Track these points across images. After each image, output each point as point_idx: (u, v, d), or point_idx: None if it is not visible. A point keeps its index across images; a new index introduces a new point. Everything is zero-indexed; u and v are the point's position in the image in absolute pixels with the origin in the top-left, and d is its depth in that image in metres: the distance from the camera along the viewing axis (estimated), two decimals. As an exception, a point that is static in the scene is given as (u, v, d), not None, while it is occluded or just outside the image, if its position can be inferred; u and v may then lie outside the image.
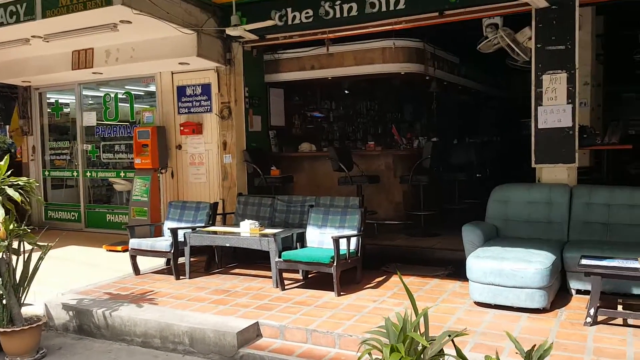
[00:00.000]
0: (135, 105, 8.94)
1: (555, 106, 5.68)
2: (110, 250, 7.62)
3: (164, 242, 5.98)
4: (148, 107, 8.42)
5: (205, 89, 8.10)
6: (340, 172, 7.29)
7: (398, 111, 13.04)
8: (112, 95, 9.08)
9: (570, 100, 5.62)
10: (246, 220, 6.06)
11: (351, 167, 7.38)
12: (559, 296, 4.70)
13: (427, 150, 6.86)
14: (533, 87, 5.82)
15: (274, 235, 5.36)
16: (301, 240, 5.75)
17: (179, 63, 7.68)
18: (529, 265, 4.36)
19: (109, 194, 9.76)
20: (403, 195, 7.72)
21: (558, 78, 5.67)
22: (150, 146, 7.94)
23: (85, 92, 9.57)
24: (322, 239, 5.63)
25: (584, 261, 4.25)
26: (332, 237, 5.05)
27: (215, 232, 6.01)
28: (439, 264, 6.09)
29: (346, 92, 10.43)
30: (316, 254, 5.13)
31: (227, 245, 5.79)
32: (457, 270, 5.75)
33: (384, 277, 5.70)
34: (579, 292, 4.86)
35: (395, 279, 5.60)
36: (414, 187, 7.74)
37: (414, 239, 6.94)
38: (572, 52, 5.60)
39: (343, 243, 5.17)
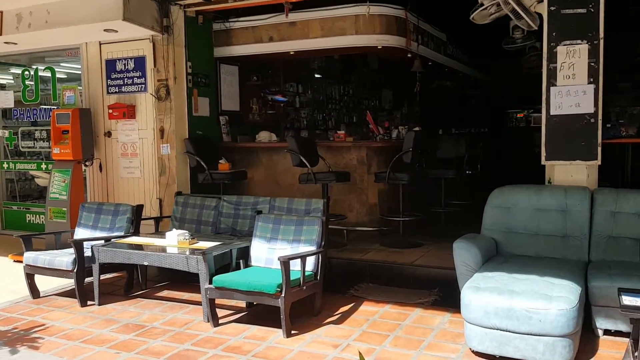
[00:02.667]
0: (60, 85, 7.52)
1: (573, 87, 4.52)
2: (17, 261, 6.22)
3: (65, 258, 4.65)
4: (69, 84, 7.02)
5: (139, 63, 6.75)
6: (302, 168, 6.03)
7: (375, 97, 11.83)
8: (32, 71, 7.63)
9: (592, 79, 4.46)
10: (174, 230, 4.76)
11: (316, 161, 6.12)
12: (582, 340, 3.53)
13: (408, 141, 5.64)
14: (545, 63, 4.64)
15: (203, 253, 4.07)
16: (245, 256, 4.48)
17: (105, 30, 6.30)
18: (550, 304, 3.18)
19: (41, 188, 8.32)
20: (379, 195, 6.51)
21: (577, 50, 4.50)
22: (71, 132, 6.57)
23: (-1, 67, 8.12)
24: (271, 256, 4.38)
25: (626, 299, 3.07)
26: (279, 259, 3.78)
27: (133, 246, 4.71)
28: (422, 285, 4.90)
29: (315, 73, 9.14)
30: (259, 280, 3.87)
31: (145, 264, 4.49)
32: (445, 295, 4.58)
33: (351, 304, 4.48)
34: (607, 332, 3.72)
35: (366, 307, 4.39)
36: (391, 187, 6.52)
37: (391, 250, 5.74)
38: (595, 16, 4.44)
39: (296, 264, 3.92)
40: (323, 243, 4.30)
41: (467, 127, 11.42)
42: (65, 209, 6.52)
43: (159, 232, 5.64)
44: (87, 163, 6.85)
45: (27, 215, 7.89)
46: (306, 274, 4.02)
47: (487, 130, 12.05)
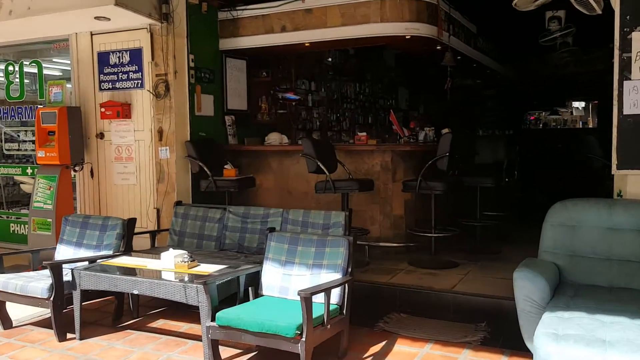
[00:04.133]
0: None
1: (652, 80, 3.76)
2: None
3: (40, 284, 3.93)
4: (57, 80, 6.33)
5: (135, 56, 6.04)
6: (319, 175, 5.31)
7: (391, 96, 11.10)
8: (16, 66, 6.93)
9: (677, 72, 3.70)
10: (171, 250, 4.03)
11: (334, 167, 5.40)
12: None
13: (444, 145, 4.89)
14: (616, 53, 3.89)
15: (205, 282, 3.34)
16: (255, 282, 3.76)
17: (96, 18, 5.60)
18: (660, 363, 2.42)
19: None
20: (405, 206, 5.77)
21: (658, 36, 3.74)
22: (57, 133, 5.88)
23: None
24: (286, 284, 3.65)
25: None
26: (299, 294, 3.05)
27: (122, 269, 3.98)
28: (465, 316, 4.15)
29: (329, 65, 8.39)
30: (273, 320, 3.13)
31: (135, 292, 3.76)
32: (495, 331, 3.85)
33: (383, 342, 3.74)
34: None
35: (402, 347, 3.65)
36: (419, 197, 5.79)
37: (423, 272, 4.99)
38: (682, -5, 3.68)
39: (319, 296, 3.19)
40: (350, 269, 3.56)
41: (489, 128, 10.66)
42: (51, 220, 5.84)
43: (155, 248, 4.93)
44: (76, 168, 6.17)
45: (12, 225, 7.19)
46: (331, 308, 3.29)
47: (512, 132, 11.27)
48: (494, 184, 5.68)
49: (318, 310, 3.18)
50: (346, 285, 3.43)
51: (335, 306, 3.40)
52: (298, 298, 3.08)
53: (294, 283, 3.60)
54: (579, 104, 16.52)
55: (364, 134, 5.88)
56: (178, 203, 5.21)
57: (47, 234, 5.84)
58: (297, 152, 6.05)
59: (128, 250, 4.56)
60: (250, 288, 3.70)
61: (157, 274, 3.81)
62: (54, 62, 6.95)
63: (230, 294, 3.64)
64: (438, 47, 6.39)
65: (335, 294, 3.40)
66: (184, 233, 5.07)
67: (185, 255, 3.87)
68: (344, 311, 3.47)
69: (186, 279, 3.63)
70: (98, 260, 4.22)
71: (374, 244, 5.69)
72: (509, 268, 4.82)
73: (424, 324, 4.05)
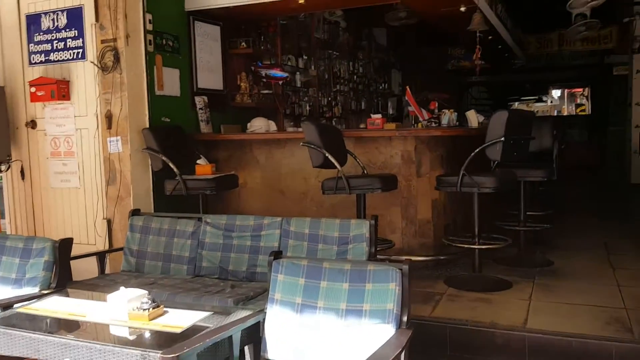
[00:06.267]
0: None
1: None
2: None
3: None
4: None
5: (74, 17, 4.68)
6: (325, 170, 4.07)
7: (384, 79, 9.90)
8: None
9: None
10: (122, 289, 2.70)
11: (345, 159, 4.16)
12: None
13: (497, 126, 3.69)
14: None
15: (177, 356, 2.04)
16: (255, 339, 2.49)
17: (17, -36, 4.19)
18: None
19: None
20: (433, 208, 4.58)
21: None
22: (-30, 122, 4.46)
23: None
24: (305, 342, 2.39)
25: None
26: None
27: (47, 323, 2.65)
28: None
29: (319, 39, 7.13)
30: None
31: (65, 363, 2.44)
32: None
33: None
34: None
35: None
36: (452, 196, 4.62)
37: (471, 297, 3.81)
38: None
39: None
40: (407, 317, 2.32)
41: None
42: (-36, 238, 4.41)
43: (104, 277, 3.62)
44: (1, 168, 4.78)
45: None
46: (382, 384, 2.05)
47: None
48: (545, 178, 4.54)
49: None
50: (404, 349, 2.18)
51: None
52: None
53: (318, 341, 2.35)
54: (555, 93, 16.42)
55: (379, 116, 4.66)
56: (135, 212, 3.89)
57: (-41, 256, 4.43)
58: (291, 142, 4.80)
59: (62, 284, 3.23)
60: (247, 349, 2.43)
61: (100, 332, 2.50)
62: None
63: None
64: (462, 8, 5.19)
65: (389, 362, 2.15)
66: (144, 253, 3.78)
67: (145, 299, 2.56)
68: (400, 385, 2.23)
69: (146, 339, 2.34)
70: (16, 305, 2.87)
71: (394, 258, 4.47)
72: (577, 288, 3.87)
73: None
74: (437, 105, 5.22)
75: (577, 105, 16.14)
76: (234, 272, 3.58)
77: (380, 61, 9.84)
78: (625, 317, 3.28)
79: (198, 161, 4.52)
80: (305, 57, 7.00)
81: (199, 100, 5.14)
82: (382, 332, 2.27)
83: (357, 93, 8.52)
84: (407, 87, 5.02)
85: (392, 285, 2.35)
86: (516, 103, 16.41)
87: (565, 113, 15.15)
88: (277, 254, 2.61)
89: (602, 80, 13.60)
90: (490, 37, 7.09)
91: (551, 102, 16.77)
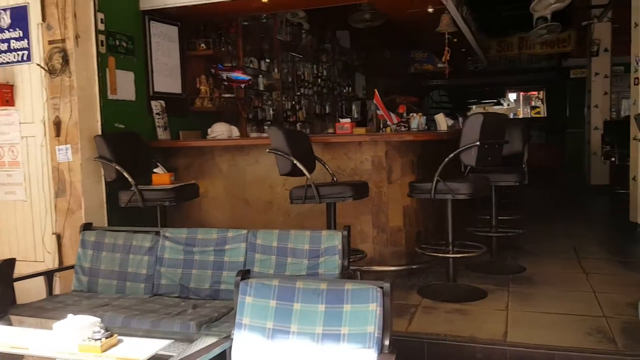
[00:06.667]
0: None
1: None
2: None
3: None
4: None
5: (19, 15, 4.34)
6: (292, 177, 3.87)
7: (347, 83, 9.77)
8: None
9: None
10: (70, 317, 2.41)
11: (313, 166, 3.96)
12: None
13: (472, 130, 3.56)
14: None
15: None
16: (220, 368, 2.25)
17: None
18: None
19: None
20: (404, 215, 4.42)
21: None
22: None
23: None
24: (278, 370, 2.16)
25: None
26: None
27: (-19, 356, 2.35)
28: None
29: (281, 42, 6.92)
30: None
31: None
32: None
33: None
34: None
35: None
36: (423, 203, 4.49)
37: (447, 308, 3.67)
38: None
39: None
40: (388, 342, 2.13)
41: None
42: None
43: (53, 299, 3.31)
44: (-64, 179, 4.37)
45: None
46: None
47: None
48: (518, 182, 4.46)
49: None
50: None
51: (371, 412, 1.97)
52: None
53: (293, 368, 2.14)
54: (511, 96, 16.90)
55: (348, 120, 4.48)
56: (87, 226, 3.58)
57: None
58: (255, 148, 4.58)
59: (4, 309, 2.92)
60: (213, 381, 2.19)
61: (44, 368, 2.22)
62: None
63: (179, 395, 2.13)
64: (430, 9, 5.08)
65: (372, 392, 1.96)
66: (96, 271, 3.48)
67: (97, 328, 2.29)
68: (383, 416, 2.04)
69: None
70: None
71: (366, 269, 4.31)
72: (553, 295, 3.83)
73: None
74: (405, 108, 5.09)
75: (532, 108, 16.61)
76: (196, 290, 3.32)
77: (344, 64, 9.70)
78: (605, 327, 3.19)
79: (155, 170, 4.23)
80: (268, 60, 6.77)
81: (156, 105, 4.85)
82: (362, 357, 2.08)
83: (321, 97, 8.34)
84: (376, 91, 4.86)
85: (373, 306, 2.16)
86: (474, 107, 16.74)
87: (521, 115, 15.51)
88: (245, 274, 2.38)
89: (560, 83, 13.89)
90: (455, 40, 7.04)
91: (508, 105, 17.19)
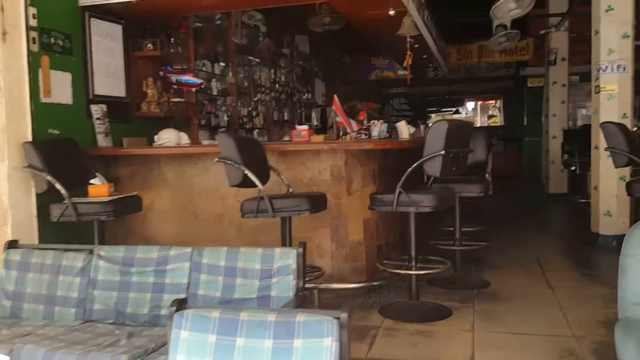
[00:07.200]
0: None
1: None
2: None
3: None
4: None
5: None
6: (243, 189, 3.56)
7: (307, 89, 9.54)
8: None
9: None
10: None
11: (267, 176, 3.67)
12: None
13: (436, 138, 3.34)
14: None
15: None
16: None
17: None
18: None
19: None
20: (364, 229, 4.18)
21: None
22: None
23: None
24: (218, 418, 1.85)
25: None
26: None
27: None
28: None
29: (238, 45, 6.62)
30: None
31: None
32: None
33: None
34: None
35: None
36: (384, 215, 4.26)
37: (410, 329, 3.43)
38: None
39: None
40: (347, 381, 1.86)
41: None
42: None
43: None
44: None
45: None
46: None
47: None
48: (482, 193, 4.29)
49: None
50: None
51: None
52: None
53: (236, 418, 1.83)
54: (469, 105, 17.21)
55: (305, 127, 4.22)
56: (11, 244, 3.18)
57: None
58: (205, 156, 4.26)
59: None
60: None
61: None
62: None
63: None
64: (392, 12, 4.89)
65: None
66: (21, 295, 3.09)
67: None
68: None
69: None
70: None
71: (324, 287, 4.04)
72: (519, 313, 3.70)
73: None
74: (366, 115, 4.86)
75: (490, 117, 16.85)
76: (133, 315, 2.97)
77: (303, 70, 9.46)
78: (577, 347, 3.02)
79: (93, 180, 3.85)
80: (223, 63, 6.45)
81: (97, 109, 4.46)
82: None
83: (279, 103, 8.06)
84: (335, 96, 4.62)
85: (328, 341, 1.88)
86: (433, 115, 16.92)
87: (478, 124, 15.79)
88: (181, 303, 2.07)
89: (517, 92, 14.06)
90: (416, 45, 6.88)
91: (466, 113, 17.42)
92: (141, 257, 3.04)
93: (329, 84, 10.45)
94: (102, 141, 4.47)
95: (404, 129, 4.81)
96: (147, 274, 3.00)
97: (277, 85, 7.83)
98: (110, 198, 3.72)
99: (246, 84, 6.96)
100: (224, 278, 2.94)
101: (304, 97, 9.32)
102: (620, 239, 5.32)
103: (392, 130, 5.50)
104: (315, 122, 9.69)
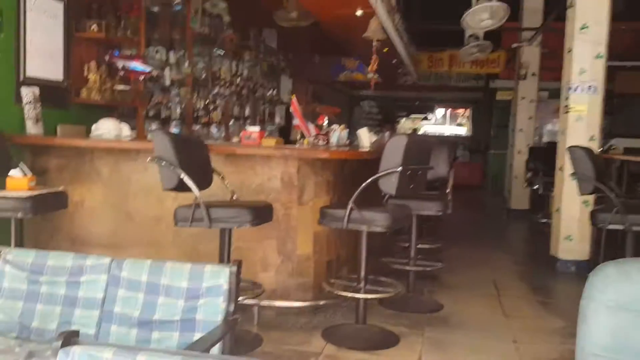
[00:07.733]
0: None
1: None
2: None
3: None
4: None
5: None
6: (182, 193, 3.23)
7: (273, 85, 9.21)
8: None
9: None
10: None
11: (208, 181, 3.34)
12: None
13: (394, 153, 3.08)
14: None
15: None
16: None
17: None
18: None
19: None
20: (315, 241, 3.90)
21: None
22: None
23: None
24: None
25: None
26: None
27: None
28: None
29: (197, 32, 6.23)
30: None
31: None
32: None
33: None
34: None
35: None
36: (336, 229, 3.97)
37: (353, 358, 3.15)
38: None
39: None
40: None
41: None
42: None
43: None
44: None
45: None
46: None
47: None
48: (441, 212, 4.05)
49: None
50: None
51: None
52: None
53: None
54: (439, 112, 17.27)
55: (257, 128, 3.90)
56: None
57: None
58: (144, 153, 3.88)
59: None
60: None
61: None
62: None
63: None
64: (359, 12, 4.61)
65: None
66: None
67: None
68: None
69: None
70: None
71: (266, 304, 3.74)
72: (470, 344, 3.46)
73: None
74: (326, 119, 4.58)
75: (458, 125, 16.92)
76: (39, 330, 2.60)
77: (269, 65, 9.10)
78: (528, 391, 2.80)
79: (13, 171, 3.44)
80: (181, 52, 6.06)
81: (27, 93, 4.04)
82: None
83: (240, 98, 7.70)
84: (294, 97, 4.31)
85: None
86: (403, 119, 16.90)
87: (447, 132, 16.05)
88: (69, 337, 1.73)
89: (486, 103, 14.04)
90: (385, 50, 6.65)
91: (435, 121, 17.45)
92: (53, 265, 2.67)
93: (296, 81, 10.13)
94: (32, 128, 4.04)
95: (365, 137, 4.55)
96: (58, 285, 2.64)
97: (239, 79, 7.46)
98: (29, 193, 3.33)
99: (204, 75, 6.58)
100: (145, 295, 2.60)
101: (268, 94, 8.97)
102: (579, 264, 5.24)
103: (355, 136, 5.24)
104: (278, 119, 9.38)
